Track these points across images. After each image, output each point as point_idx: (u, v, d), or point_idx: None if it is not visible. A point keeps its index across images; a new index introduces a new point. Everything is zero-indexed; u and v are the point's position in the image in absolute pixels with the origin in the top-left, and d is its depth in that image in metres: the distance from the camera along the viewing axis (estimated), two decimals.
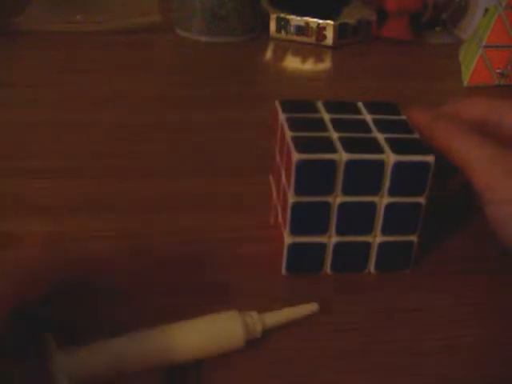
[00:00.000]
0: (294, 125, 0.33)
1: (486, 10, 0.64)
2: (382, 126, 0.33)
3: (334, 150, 0.31)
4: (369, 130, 0.33)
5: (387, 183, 0.32)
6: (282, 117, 0.34)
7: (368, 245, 0.33)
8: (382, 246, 0.33)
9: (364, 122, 0.34)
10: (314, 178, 0.31)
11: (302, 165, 0.31)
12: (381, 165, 0.31)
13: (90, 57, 0.64)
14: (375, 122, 0.34)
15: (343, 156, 0.31)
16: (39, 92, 0.55)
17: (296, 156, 0.30)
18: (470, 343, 0.31)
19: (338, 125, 0.33)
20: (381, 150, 0.31)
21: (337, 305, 0.32)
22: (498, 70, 0.61)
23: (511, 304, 0.33)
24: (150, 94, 0.56)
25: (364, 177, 0.31)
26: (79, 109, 0.52)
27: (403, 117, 0.35)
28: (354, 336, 0.30)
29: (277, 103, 0.35)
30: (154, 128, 0.49)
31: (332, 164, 0.31)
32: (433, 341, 0.30)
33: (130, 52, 0.66)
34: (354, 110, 0.35)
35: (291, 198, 0.32)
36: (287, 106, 0.35)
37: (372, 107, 0.35)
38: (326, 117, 0.34)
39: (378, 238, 0.33)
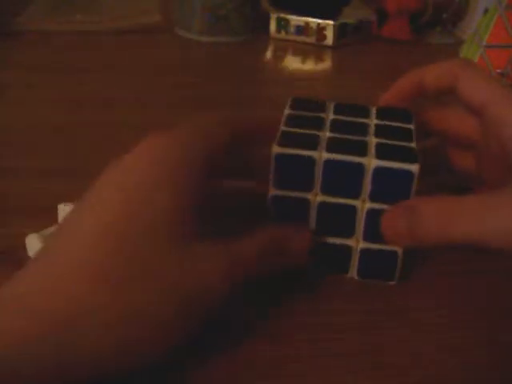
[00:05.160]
0: (291, 120, 0.33)
1: (486, 10, 0.64)
2: (383, 131, 0.33)
3: (315, 148, 0.31)
4: (365, 134, 0.32)
5: (368, 188, 0.31)
6: (285, 112, 0.34)
7: (349, 248, 0.33)
8: (364, 252, 0.33)
9: (365, 126, 0.33)
10: (293, 172, 0.31)
11: (280, 158, 0.31)
12: (360, 168, 0.30)
13: (89, 57, 0.64)
14: (378, 126, 0.33)
15: (322, 154, 0.30)
16: (39, 92, 0.55)
17: (275, 149, 0.31)
18: (471, 344, 0.31)
19: (336, 125, 0.33)
20: (363, 153, 0.31)
21: (337, 305, 0.32)
22: (498, 70, 0.61)
23: (511, 304, 0.33)
24: (150, 93, 0.55)
25: (343, 178, 0.31)
26: (79, 109, 0.52)
27: (411, 125, 0.34)
28: (353, 336, 0.30)
29: (289, 99, 0.35)
30: (154, 128, 0.49)
31: (310, 161, 0.30)
32: (433, 341, 0.30)
33: (130, 52, 0.66)
34: (362, 113, 0.35)
35: (271, 191, 0.32)
36: (296, 103, 0.35)
37: (384, 112, 0.35)
38: (330, 117, 0.34)
39: (360, 244, 0.33)
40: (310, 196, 0.32)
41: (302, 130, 0.32)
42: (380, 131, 0.33)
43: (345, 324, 0.31)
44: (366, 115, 0.34)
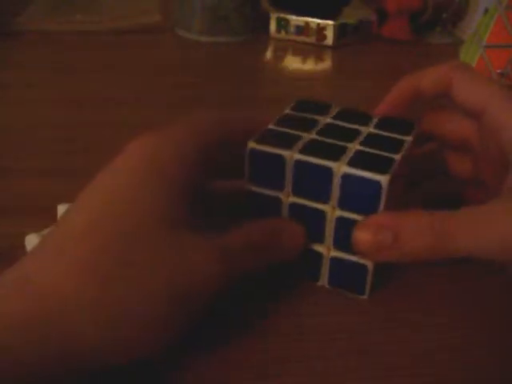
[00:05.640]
0: (282, 120, 0.33)
1: (486, 10, 0.64)
2: (372, 140, 0.32)
3: (289, 148, 0.30)
4: (350, 140, 0.32)
5: (336, 194, 0.30)
6: (283, 112, 0.34)
7: (319, 255, 0.32)
8: (334, 261, 0.32)
9: (355, 133, 0.33)
10: (265, 170, 0.31)
11: (253, 154, 0.31)
12: (329, 172, 0.30)
13: (89, 57, 0.64)
14: (369, 135, 0.32)
15: (294, 155, 0.30)
16: (39, 92, 0.55)
17: (250, 144, 0.31)
18: (471, 344, 0.31)
19: (327, 130, 0.33)
20: (336, 159, 0.30)
21: (335, 306, 0.32)
22: (498, 70, 0.61)
23: (511, 304, 0.33)
24: (150, 93, 0.56)
25: (313, 181, 0.30)
26: (79, 109, 0.52)
27: (407, 138, 0.33)
28: (353, 336, 0.30)
29: (294, 101, 0.36)
30: (155, 128, 0.49)
31: (281, 160, 0.30)
32: (433, 341, 0.30)
33: (130, 52, 0.66)
34: (362, 121, 0.34)
35: (245, 187, 0.32)
36: (299, 105, 0.35)
37: (384, 122, 0.34)
38: (326, 121, 0.34)
39: (331, 252, 0.32)
40: (281, 195, 0.31)
41: (287, 130, 0.32)
42: (368, 140, 0.32)
43: (344, 324, 0.31)
44: (365, 123, 0.34)
